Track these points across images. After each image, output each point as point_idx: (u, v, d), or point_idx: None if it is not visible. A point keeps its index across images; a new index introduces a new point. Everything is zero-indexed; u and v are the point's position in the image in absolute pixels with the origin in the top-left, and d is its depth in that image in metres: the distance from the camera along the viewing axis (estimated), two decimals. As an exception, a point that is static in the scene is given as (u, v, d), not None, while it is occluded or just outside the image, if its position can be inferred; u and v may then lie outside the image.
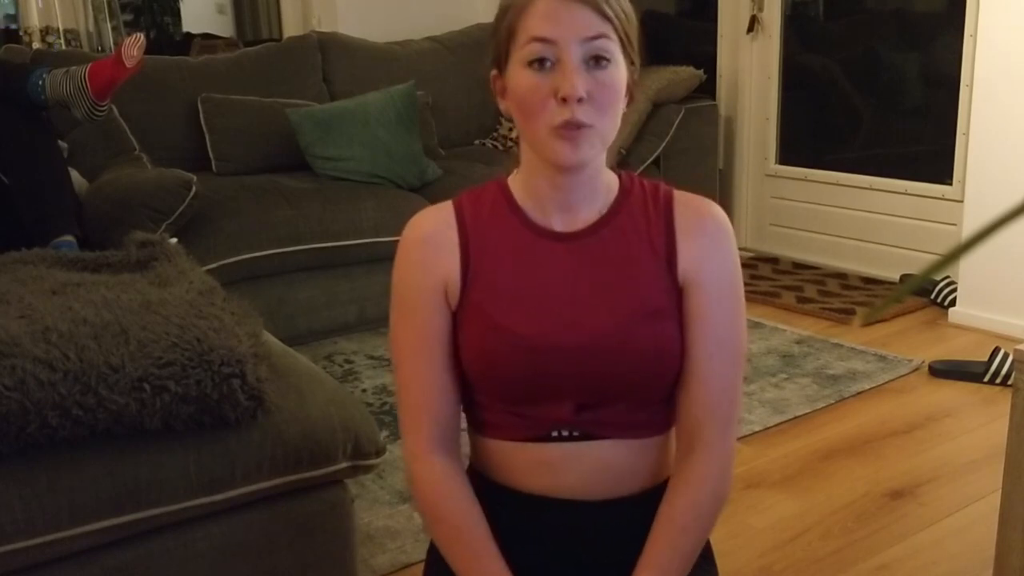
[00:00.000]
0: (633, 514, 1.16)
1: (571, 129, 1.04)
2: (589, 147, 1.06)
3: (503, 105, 1.12)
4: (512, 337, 1.10)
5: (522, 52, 1.05)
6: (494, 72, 1.12)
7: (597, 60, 1.05)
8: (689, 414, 1.13)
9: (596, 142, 1.07)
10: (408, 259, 1.15)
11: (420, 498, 1.16)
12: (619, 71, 1.07)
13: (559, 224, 1.14)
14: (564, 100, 1.03)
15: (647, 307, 1.10)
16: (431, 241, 1.14)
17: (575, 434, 1.12)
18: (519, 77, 1.06)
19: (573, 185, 1.12)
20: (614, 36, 1.06)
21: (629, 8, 1.09)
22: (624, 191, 1.16)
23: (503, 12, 1.09)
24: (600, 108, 1.05)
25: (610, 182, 1.16)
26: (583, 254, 1.12)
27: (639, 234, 1.13)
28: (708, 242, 1.13)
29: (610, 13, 1.05)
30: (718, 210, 1.16)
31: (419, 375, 1.14)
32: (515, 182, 1.17)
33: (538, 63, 1.04)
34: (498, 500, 1.17)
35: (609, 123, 1.07)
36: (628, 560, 1.15)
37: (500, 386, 1.12)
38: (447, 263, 1.13)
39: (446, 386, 1.15)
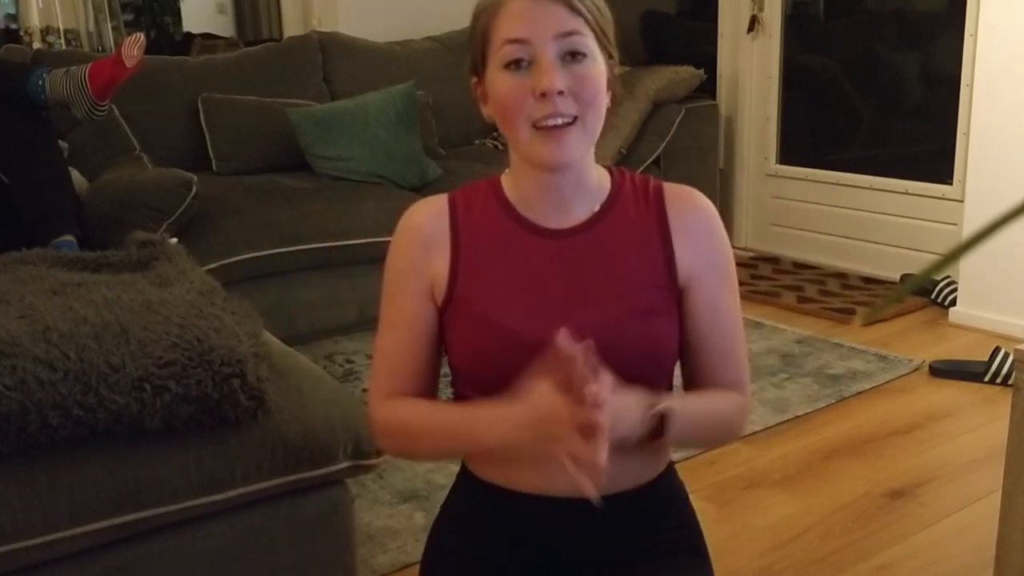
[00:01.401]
0: (627, 511, 1.16)
1: (554, 124, 1.04)
2: (574, 145, 1.07)
3: (486, 111, 1.12)
4: (503, 333, 1.10)
5: (498, 55, 1.06)
6: (474, 79, 1.12)
7: (573, 56, 1.05)
8: (710, 381, 1.16)
9: (582, 138, 1.07)
10: (399, 247, 1.17)
11: (379, 435, 1.18)
12: (597, 65, 1.07)
13: (551, 222, 1.14)
14: (543, 95, 1.04)
15: (640, 304, 1.11)
16: (423, 235, 1.15)
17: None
18: (497, 81, 1.07)
19: (560, 186, 1.12)
20: (588, 31, 1.06)
21: (602, 3, 1.09)
22: (616, 188, 1.16)
23: (476, 18, 1.09)
24: (582, 101, 1.06)
25: (601, 178, 1.16)
26: (575, 251, 1.13)
27: (632, 231, 1.13)
28: (704, 236, 1.14)
29: (582, 8, 1.05)
30: (703, 198, 1.17)
31: (389, 354, 1.17)
32: (507, 180, 1.17)
33: (515, 64, 1.05)
34: (491, 499, 1.17)
35: (593, 116, 1.07)
36: (622, 558, 1.15)
37: (490, 383, 1.12)
38: (435, 259, 1.14)
39: (412, 366, 1.16)
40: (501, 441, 1.04)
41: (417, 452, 1.19)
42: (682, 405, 1.10)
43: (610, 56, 1.10)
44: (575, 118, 1.06)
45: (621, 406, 0.99)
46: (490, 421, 1.06)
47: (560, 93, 1.04)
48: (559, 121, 1.05)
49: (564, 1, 1.04)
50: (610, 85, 1.10)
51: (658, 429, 1.06)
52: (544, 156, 1.07)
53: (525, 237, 1.13)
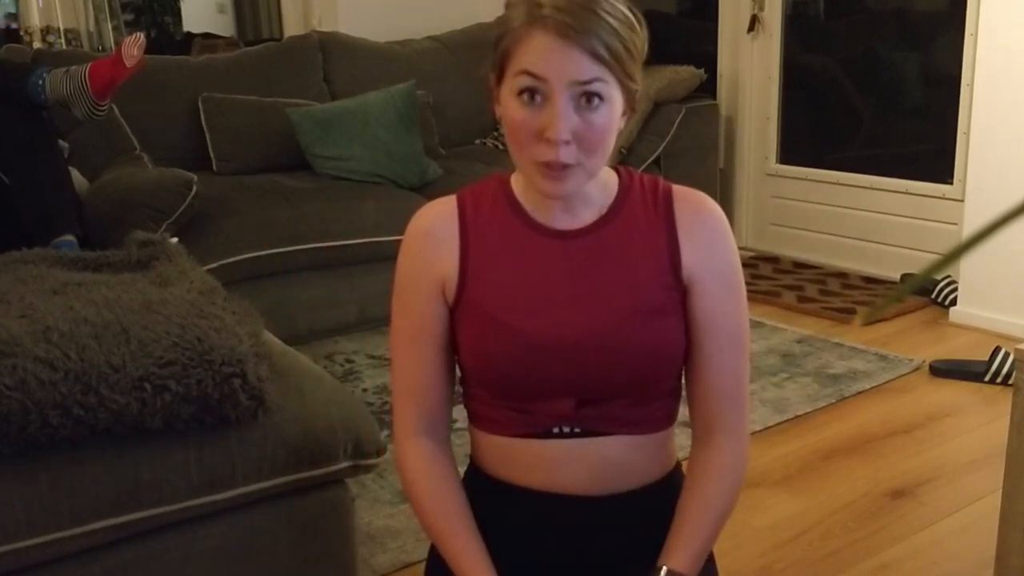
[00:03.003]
0: (636, 508, 1.16)
1: (555, 169, 1.04)
2: (574, 184, 1.07)
3: (498, 110, 1.12)
4: (511, 334, 1.10)
5: (514, 81, 1.05)
6: (492, 76, 1.12)
7: (589, 100, 1.03)
8: (704, 404, 1.16)
9: (581, 178, 1.07)
10: (410, 251, 1.17)
11: (402, 477, 1.20)
12: (611, 110, 1.05)
13: (559, 223, 1.14)
14: (549, 140, 1.03)
15: (647, 305, 1.11)
16: (432, 236, 1.15)
17: (576, 431, 1.12)
18: (510, 104, 1.06)
19: (565, 199, 1.12)
20: (610, 78, 1.04)
21: (633, 39, 1.05)
22: (624, 189, 1.16)
23: (502, 33, 1.07)
24: (587, 148, 1.05)
25: (608, 180, 1.16)
26: (583, 252, 1.13)
27: (639, 232, 1.13)
28: (709, 239, 1.14)
29: (606, 56, 1.02)
30: (714, 204, 1.17)
31: (410, 363, 1.17)
32: (516, 180, 1.18)
33: (528, 95, 1.04)
34: (499, 496, 1.17)
35: (596, 161, 1.07)
36: (631, 554, 1.16)
37: (499, 383, 1.13)
38: (446, 260, 1.14)
39: (435, 375, 1.17)
40: None
41: (414, 511, 1.22)
42: (687, 556, 1.11)
43: (631, 87, 1.07)
44: (577, 164, 1.05)
45: None
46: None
47: (567, 142, 1.03)
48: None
49: (589, 49, 1.01)
50: (625, 111, 1.09)
51: None
52: (541, 188, 1.08)
53: (533, 238, 1.14)
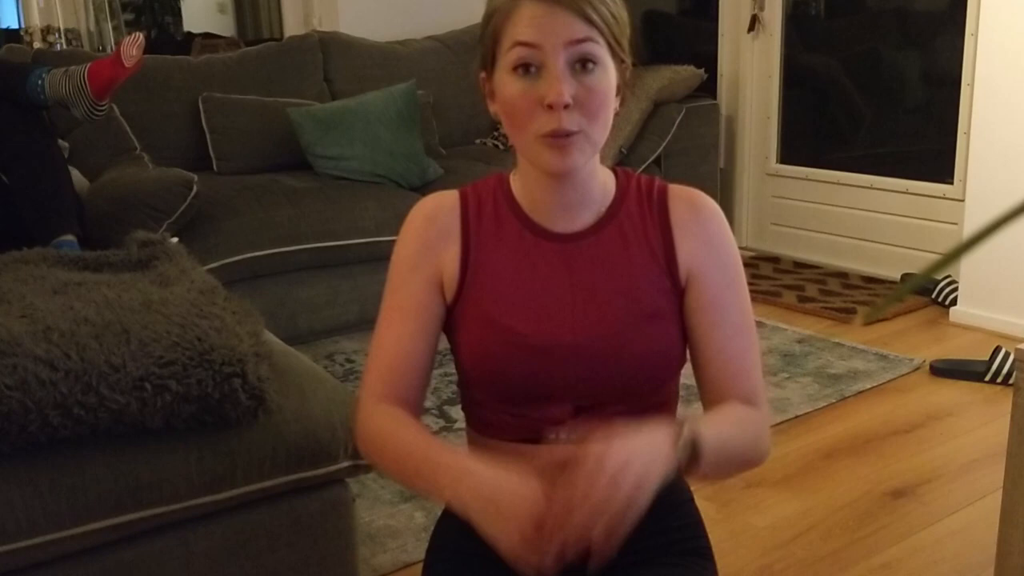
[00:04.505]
0: None
1: (559, 137, 1.04)
2: (579, 153, 1.06)
3: (492, 107, 1.12)
4: (511, 336, 1.10)
5: (507, 57, 1.05)
6: (483, 74, 1.12)
7: (584, 64, 1.04)
8: (721, 392, 1.13)
9: (585, 147, 1.07)
10: (412, 233, 1.16)
11: (361, 438, 1.14)
12: (607, 74, 1.06)
13: (558, 225, 1.14)
14: (550, 107, 1.03)
15: (646, 309, 1.11)
16: (435, 224, 1.15)
17: (572, 436, 1.12)
18: (506, 83, 1.06)
19: (566, 189, 1.12)
20: (601, 40, 1.05)
21: (618, 9, 1.08)
22: (621, 191, 1.16)
23: (488, 17, 1.08)
24: (588, 113, 1.05)
25: (606, 181, 1.16)
26: (581, 256, 1.13)
27: (637, 236, 1.13)
28: (706, 233, 1.14)
29: (596, 18, 1.04)
30: (709, 199, 1.16)
31: (392, 341, 1.15)
32: (515, 181, 1.17)
33: (523, 68, 1.04)
34: None
35: (598, 127, 1.07)
36: (627, 558, 1.15)
37: (498, 386, 1.13)
38: (448, 252, 1.14)
39: (414, 359, 1.14)
40: (455, 498, 0.98)
41: (384, 470, 1.15)
42: (707, 426, 1.03)
43: (622, 61, 1.09)
44: (579, 131, 1.05)
45: (642, 451, 0.94)
46: (455, 475, 0.99)
47: (567, 106, 1.03)
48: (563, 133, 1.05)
49: (578, 11, 1.03)
50: (619, 91, 1.09)
51: (692, 458, 1.00)
52: (547, 162, 1.07)
53: (533, 240, 1.14)
